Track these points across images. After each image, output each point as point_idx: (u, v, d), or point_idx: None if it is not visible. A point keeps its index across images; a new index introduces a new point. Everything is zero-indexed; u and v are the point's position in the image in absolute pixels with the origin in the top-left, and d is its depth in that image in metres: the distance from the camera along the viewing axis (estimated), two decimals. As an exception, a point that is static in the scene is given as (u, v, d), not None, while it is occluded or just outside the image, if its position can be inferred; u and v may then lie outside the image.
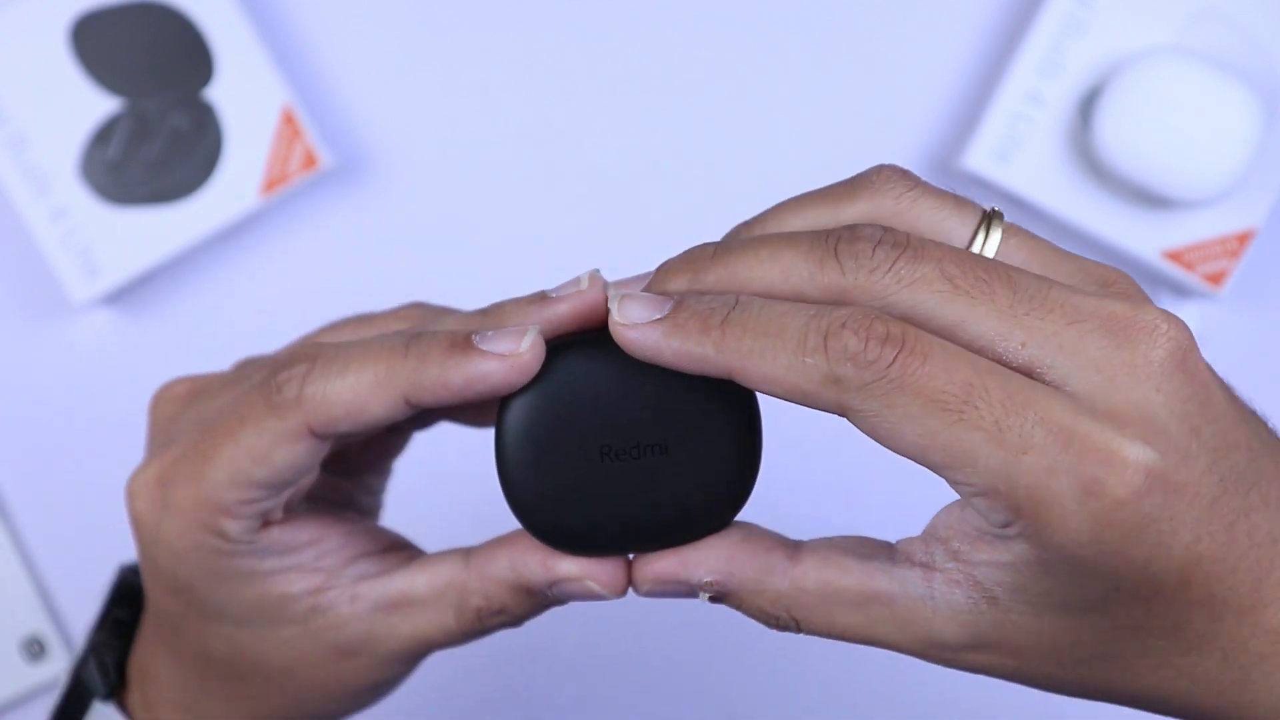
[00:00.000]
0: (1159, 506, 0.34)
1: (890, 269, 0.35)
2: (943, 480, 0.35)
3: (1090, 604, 0.35)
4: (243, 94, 0.72)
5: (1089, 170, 0.71)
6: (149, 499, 0.40)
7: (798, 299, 0.36)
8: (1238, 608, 0.35)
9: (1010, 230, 0.38)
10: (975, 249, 0.37)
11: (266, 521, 0.40)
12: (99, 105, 0.72)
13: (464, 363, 0.37)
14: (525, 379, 0.37)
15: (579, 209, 0.75)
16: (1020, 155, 0.71)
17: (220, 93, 0.72)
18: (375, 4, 0.75)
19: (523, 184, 0.75)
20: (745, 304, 0.35)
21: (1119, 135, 0.67)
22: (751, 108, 0.75)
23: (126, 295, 0.75)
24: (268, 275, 0.75)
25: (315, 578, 0.41)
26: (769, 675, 0.75)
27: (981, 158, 0.71)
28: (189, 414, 0.42)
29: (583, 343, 0.39)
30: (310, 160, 0.72)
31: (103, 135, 0.72)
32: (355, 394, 0.37)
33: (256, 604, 0.41)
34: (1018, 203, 0.72)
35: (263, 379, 0.39)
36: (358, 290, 0.75)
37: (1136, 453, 0.33)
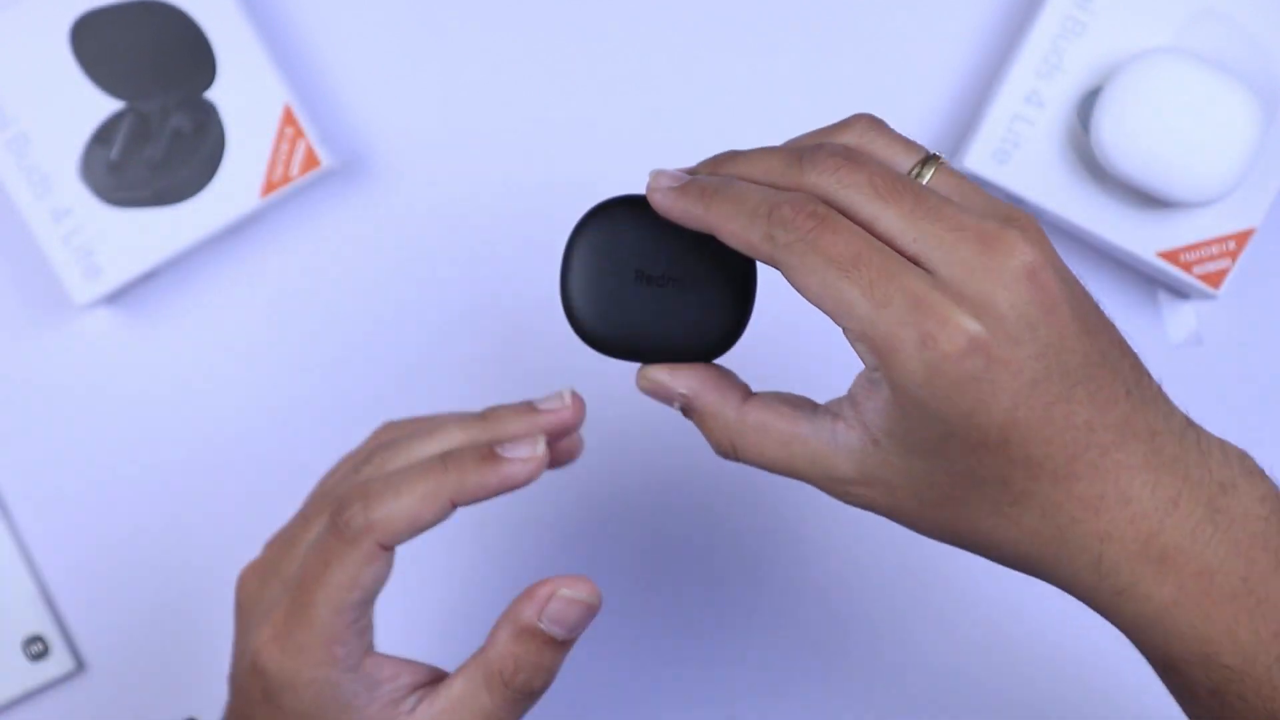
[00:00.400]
0: (980, 369, 0.43)
1: (834, 172, 0.45)
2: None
3: (935, 446, 0.44)
4: (244, 95, 0.72)
5: (1088, 171, 0.71)
6: (273, 655, 0.49)
7: (770, 186, 0.47)
8: (1053, 473, 0.44)
9: (943, 169, 0.47)
10: (910, 176, 0.47)
11: (365, 651, 0.50)
12: (100, 106, 0.72)
13: (497, 469, 0.49)
14: (540, 473, 0.50)
15: (579, 209, 0.76)
16: (1019, 156, 0.71)
17: (221, 94, 0.72)
18: (376, 5, 0.75)
19: (523, 184, 0.76)
20: (730, 182, 0.48)
21: (1118, 136, 0.67)
22: (752, 108, 0.75)
23: (128, 296, 0.75)
24: (269, 276, 0.76)
25: (390, 709, 0.51)
26: (769, 675, 0.75)
27: (980, 158, 0.71)
28: (274, 582, 0.51)
29: (629, 202, 0.55)
30: (311, 161, 0.72)
31: (104, 136, 0.72)
32: (412, 508, 0.48)
33: None
34: (1017, 203, 0.73)
35: (327, 526, 0.49)
36: (359, 290, 0.76)
37: (967, 323, 0.43)
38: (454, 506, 0.49)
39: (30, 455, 0.76)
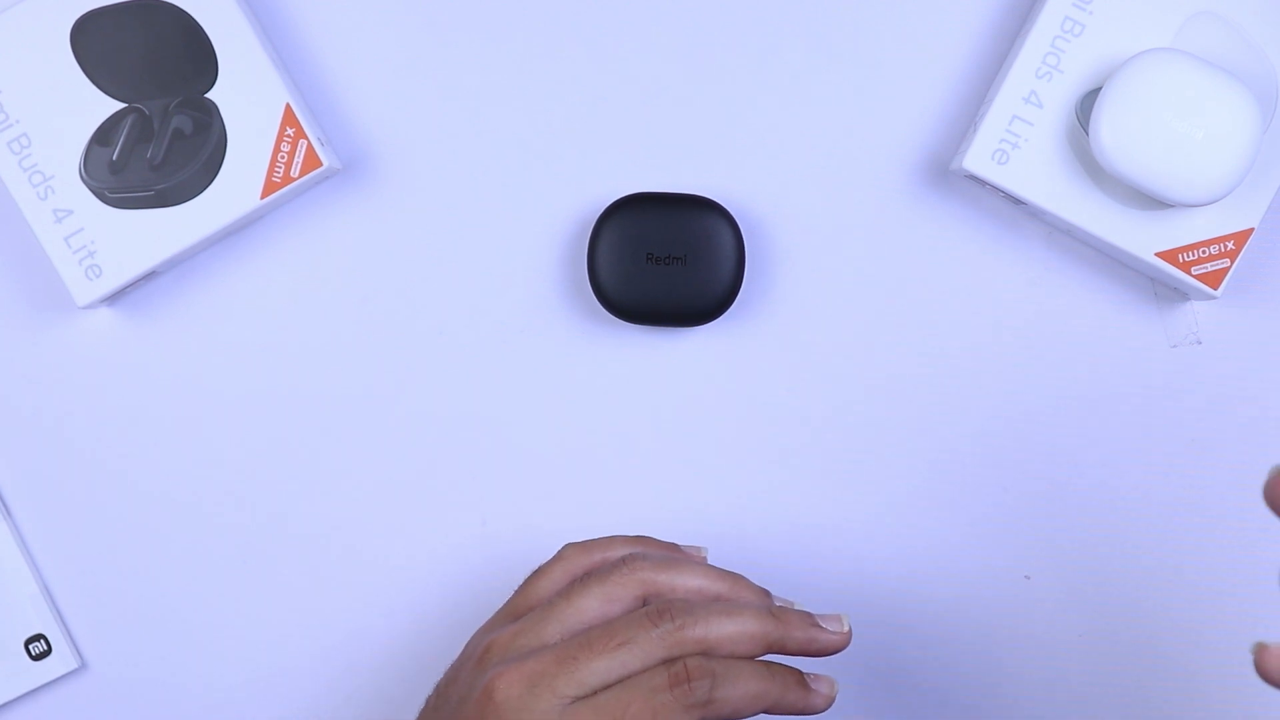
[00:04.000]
0: None
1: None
2: None
3: None
4: (245, 95, 0.72)
5: (1087, 172, 0.71)
6: None
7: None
8: None
9: None
10: None
11: None
12: (101, 106, 0.72)
13: (806, 699, 0.55)
14: (845, 646, 0.57)
15: (579, 210, 0.76)
16: (1018, 157, 0.71)
17: (222, 94, 0.72)
18: (376, 5, 0.75)
19: (523, 184, 0.76)
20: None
21: (1117, 136, 0.68)
22: (752, 110, 0.75)
23: (128, 296, 0.75)
24: (270, 276, 0.76)
25: None
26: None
27: (980, 159, 0.71)
28: (547, 695, 0.53)
29: (637, 199, 0.72)
30: (312, 161, 0.72)
31: (105, 137, 0.72)
32: (742, 702, 0.53)
33: None
34: (1017, 203, 0.73)
35: (665, 684, 0.52)
36: (359, 290, 0.76)
37: None
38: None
39: (30, 455, 0.76)
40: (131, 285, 0.73)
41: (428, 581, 0.75)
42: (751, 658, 0.55)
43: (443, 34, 0.75)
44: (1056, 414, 0.75)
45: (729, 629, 0.54)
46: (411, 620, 0.75)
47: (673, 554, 0.60)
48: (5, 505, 0.76)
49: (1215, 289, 0.71)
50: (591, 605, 0.56)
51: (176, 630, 0.76)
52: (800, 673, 0.55)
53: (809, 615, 0.56)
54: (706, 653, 0.53)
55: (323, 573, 0.76)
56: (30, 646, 0.75)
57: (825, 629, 0.56)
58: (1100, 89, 0.70)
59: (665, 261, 0.72)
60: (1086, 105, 0.71)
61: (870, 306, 0.75)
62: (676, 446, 0.75)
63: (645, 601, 0.56)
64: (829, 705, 0.55)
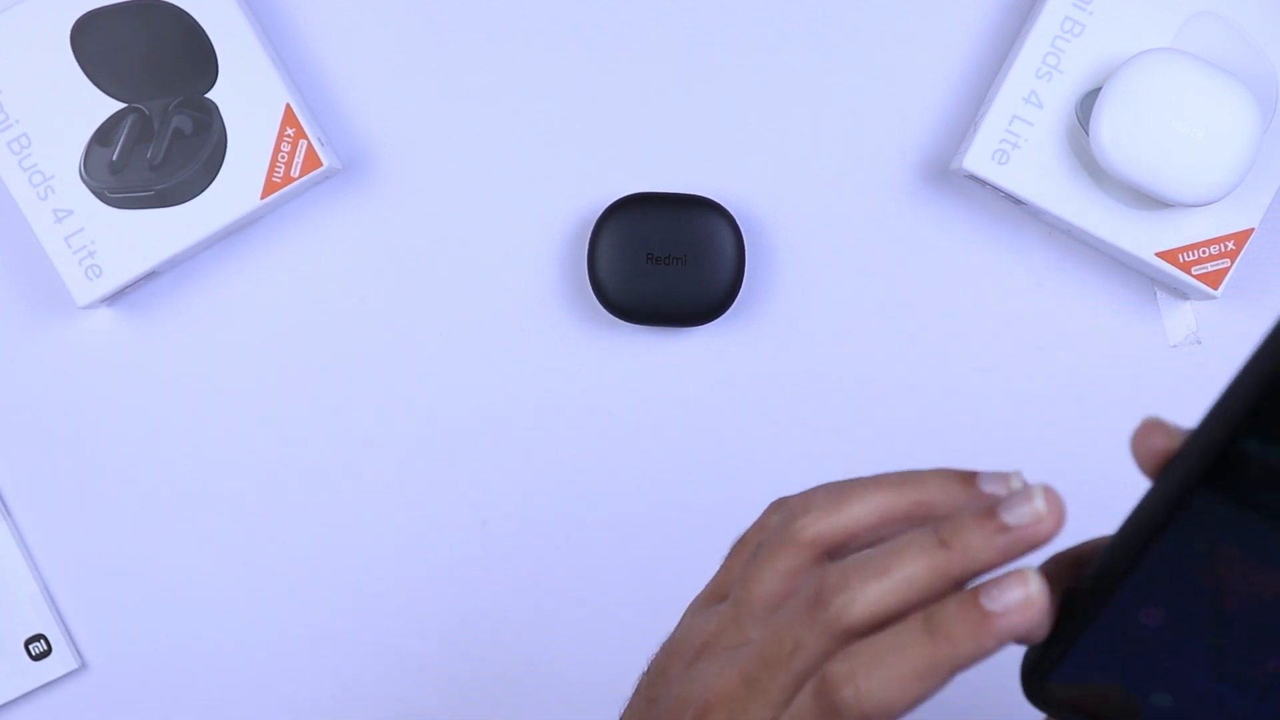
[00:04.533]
0: None
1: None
2: None
3: None
4: (245, 95, 0.72)
5: (1087, 172, 0.71)
6: None
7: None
8: None
9: None
10: None
11: None
12: (101, 106, 0.72)
13: (991, 630, 0.40)
14: (1045, 624, 0.40)
15: (579, 210, 0.76)
16: (1018, 157, 0.71)
17: (222, 94, 0.72)
18: (376, 5, 0.75)
19: (523, 184, 0.76)
20: None
21: (1117, 137, 0.68)
22: (752, 110, 0.75)
23: (128, 296, 0.76)
24: (271, 276, 0.76)
25: None
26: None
27: (980, 159, 0.71)
28: None
29: (637, 199, 0.72)
30: (312, 161, 0.72)
31: (105, 137, 0.72)
32: (907, 692, 0.41)
33: None
34: (1017, 203, 0.73)
35: (811, 704, 0.42)
36: (359, 290, 0.76)
37: None
38: (949, 678, 0.41)
39: (30, 455, 0.76)
40: (131, 285, 0.73)
41: (428, 581, 0.75)
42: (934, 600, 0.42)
43: (443, 34, 0.75)
44: (1057, 413, 0.75)
45: (885, 590, 0.42)
46: (411, 620, 0.75)
47: (844, 485, 0.46)
48: (5, 505, 0.76)
49: (1215, 289, 0.71)
50: (772, 588, 0.46)
51: (176, 630, 0.76)
52: (972, 598, 0.41)
53: (990, 510, 0.41)
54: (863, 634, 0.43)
55: (322, 572, 0.76)
56: (30, 646, 0.75)
57: (1015, 521, 0.41)
58: (1100, 89, 0.70)
59: (665, 261, 0.72)
60: (1086, 105, 0.71)
61: (870, 306, 0.75)
62: (676, 446, 0.75)
63: (831, 558, 0.46)
64: (1038, 616, 0.40)
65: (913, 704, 0.41)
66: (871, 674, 0.41)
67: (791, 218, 0.75)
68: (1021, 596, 0.39)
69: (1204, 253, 0.71)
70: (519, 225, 0.75)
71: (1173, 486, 0.37)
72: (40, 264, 0.75)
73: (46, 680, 0.75)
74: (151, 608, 0.76)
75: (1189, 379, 0.75)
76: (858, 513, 0.44)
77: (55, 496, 0.76)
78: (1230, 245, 0.71)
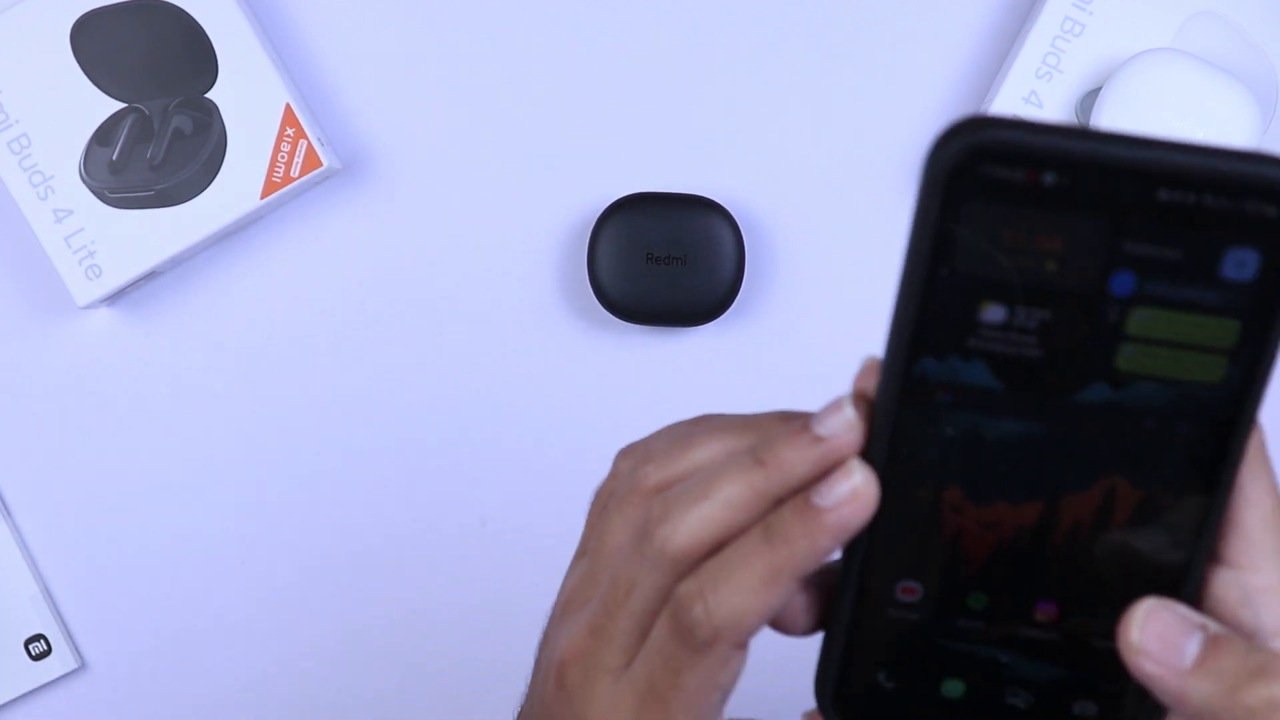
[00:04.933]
0: None
1: None
2: None
3: None
4: (245, 96, 0.72)
5: (1087, 171, 0.71)
6: None
7: None
8: None
9: None
10: None
11: None
12: (101, 106, 0.72)
13: (824, 525, 0.40)
14: (874, 507, 0.39)
15: (579, 210, 0.76)
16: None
17: (222, 94, 0.72)
18: (376, 5, 0.75)
19: (523, 184, 0.76)
20: None
21: (1117, 137, 0.68)
22: (751, 110, 0.75)
23: (128, 296, 0.76)
24: (271, 276, 0.76)
25: None
26: (768, 675, 0.75)
27: (980, 159, 0.71)
28: (603, 678, 0.45)
29: (637, 199, 0.72)
30: (312, 161, 0.72)
31: (105, 137, 0.72)
32: (757, 603, 0.41)
33: None
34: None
35: (669, 633, 0.42)
36: (359, 290, 0.76)
37: None
38: (798, 583, 0.41)
39: (30, 455, 0.76)
40: (131, 285, 0.73)
41: (428, 581, 0.75)
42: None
43: (443, 34, 0.75)
44: (1056, 414, 0.75)
45: (705, 514, 0.41)
46: (411, 620, 0.75)
47: (687, 429, 0.46)
48: (5, 505, 0.76)
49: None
50: (620, 538, 0.45)
51: (176, 630, 0.76)
52: (804, 499, 0.40)
53: (804, 425, 0.41)
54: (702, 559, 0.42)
55: (322, 573, 0.76)
56: (30, 646, 0.75)
57: (826, 431, 0.40)
58: (1100, 89, 0.70)
59: (665, 261, 0.72)
60: (1086, 105, 0.71)
61: (870, 306, 0.75)
62: (676, 446, 0.75)
63: None
64: (866, 504, 0.39)
65: (763, 613, 0.40)
66: (718, 588, 0.41)
67: (791, 218, 0.75)
68: (848, 488, 0.39)
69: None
70: (519, 225, 0.75)
71: (879, 440, 0.37)
72: (40, 264, 0.75)
73: (46, 680, 0.75)
74: (151, 608, 0.76)
75: (1189, 379, 0.75)
76: (699, 457, 0.44)
77: (55, 496, 0.76)
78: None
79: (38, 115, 0.72)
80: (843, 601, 0.40)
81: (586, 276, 0.74)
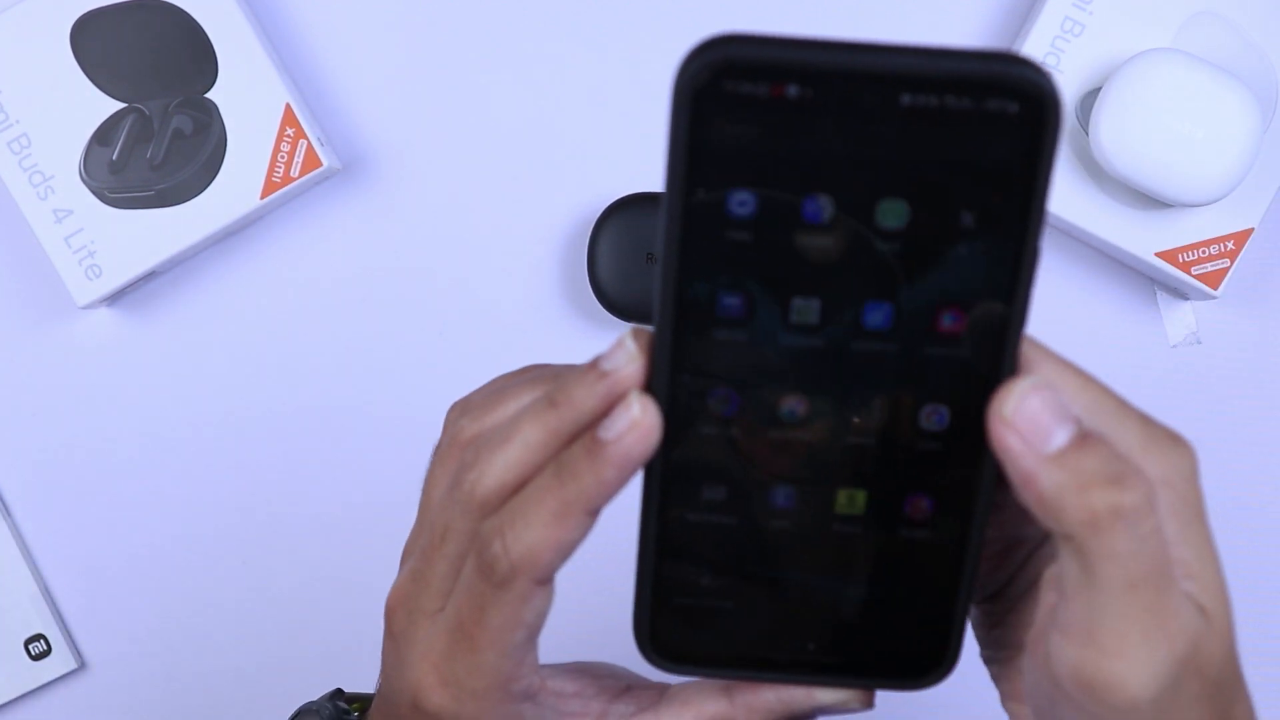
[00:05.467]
0: None
1: None
2: None
3: None
4: (245, 96, 0.72)
5: (1087, 171, 0.71)
6: (444, 701, 0.46)
7: None
8: None
9: None
10: None
11: (541, 681, 0.46)
12: (101, 106, 0.72)
13: (608, 458, 0.41)
14: (657, 438, 0.40)
15: (579, 210, 0.76)
16: (1019, 157, 0.71)
17: (222, 94, 0.72)
18: (376, 6, 0.75)
19: (524, 184, 0.76)
20: None
21: (1116, 137, 0.68)
22: (751, 109, 0.75)
23: (128, 296, 0.76)
24: (270, 276, 0.76)
25: None
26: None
27: (980, 159, 0.71)
28: (421, 620, 0.47)
29: (638, 199, 0.73)
30: (312, 161, 0.72)
31: (105, 137, 0.72)
32: (551, 537, 0.42)
33: None
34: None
35: (474, 569, 0.44)
36: (359, 290, 0.76)
37: None
38: (591, 515, 0.42)
39: (30, 455, 0.76)
40: (131, 285, 0.73)
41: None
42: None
43: (443, 34, 0.75)
44: (1056, 414, 0.75)
45: (506, 458, 0.43)
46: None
47: (503, 382, 0.48)
48: (5, 505, 0.76)
49: (1215, 289, 0.71)
50: (440, 491, 0.47)
51: (176, 630, 0.76)
52: (590, 434, 0.41)
53: (592, 363, 0.42)
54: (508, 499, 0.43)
55: (322, 572, 0.76)
56: (30, 646, 0.75)
57: (610, 365, 0.41)
58: (1100, 89, 0.70)
59: None
60: (1086, 105, 0.71)
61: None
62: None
63: None
64: (648, 434, 0.40)
65: (557, 546, 0.42)
66: (515, 525, 0.42)
67: (791, 218, 0.75)
68: (627, 420, 0.40)
69: (1204, 253, 0.71)
70: (519, 225, 0.75)
71: (660, 370, 0.38)
72: (40, 264, 0.75)
73: (46, 680, 0.75)
74: (151, 608, 0.76)
75: (1189, 379, 0.75)
76: (511, 407, 0.45)
77: (55, 496, 0.76)
78: (1230, 245, 0.71)
79: (38, 115, 0.72)
80: (647, 536, 0.40)
81: (586, 276, 0.74)
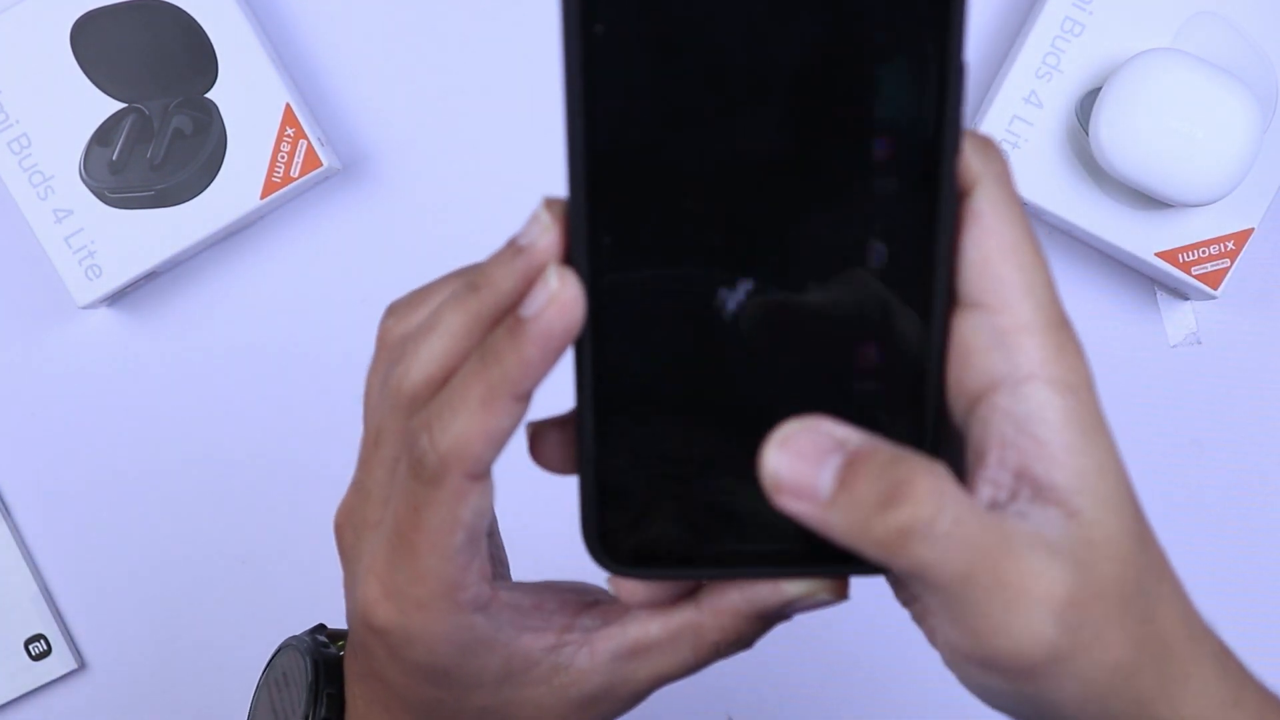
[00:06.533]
0: None
1: None
2: None
3: None
4: (245, 96, 0.72)
5: (1087, 172, 0.71)
6: (389, 614, 0.43)
7: None
8: None
9: None
10: None
11: (493, 583, 0.44)
12: (101, 106, 0.72)
13: (530, 336, 0.38)
14: (579, 311, 0.38)
15: (579, 210, 0.76)
16: (1018, 157, 0.71)
17: (222, 94, 0.72)
18: (376, 6, 0.75)
19: (524, 184, 0.76)
20: None
21: (1116, 137, 0.68)
22: (751, 109, 0.75)
23: (128, 296, 0.76)
24: (270, 276, 0.76)
25: (549, 636, 0.44)
26: (767, 676, 0.75)
27: (980, 159, 0.71)
28: (364, 532, 0.45)
29: None
30: (312, 161, 0.72)
31: (105, 137, 0.72)
32: (478, 424, 0.39)
33: (504, 670, 0.44)
34: (1016, 204, 0.73)
35: (407, 469, 0.41)
36: (359, 290, 0.76)
37: None
38: (519, 400, 0.40)
39: (30, 455, 0.76)
40: (131, 285, 0.73)
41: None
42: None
43: (443, 34, 0.75)
44: (1056, 414, 0.75)
45: (431, 348, 0.41)
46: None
47: (427, 285, 0.46)
48: (5, 505, 0.76)
49: (1215, 289, 0.71)
50: (373, 396, 0.45)
51: (176, 630, 0.76)
52: (512, 316, 0.39)
53: (509, 242, 0.41)
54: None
55: (322, 572, 0.76)
56: (30, 646, 0.75)
57: (526, 240, 0.40)
58: (1100, 89, 0.70)
59: None
60: (1086, 105, 0.71)
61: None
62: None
63: None
64: (570, 307, 0.38)
65: (486, 435, 0.39)
66: (441, 416, 0.40)
67: (791, 218, 0.75)
68: (546, 295, 0.38)
69: (1204, 253, 0.71)
70: (519, 225, 0.75)
71: (578, 238, 0.36)
72: (40, 264, 0.75)
73: (46, 680, 0.75)
74: (151, 608, 0.76)
75: (1189, 379, 0.75)
76: (435, 301, 0.43)
77: (55, 496, 0.76)
78: (1230, 245, 0.71)
79: (38, 115, 0.72)
80: (584, 422, 0.38)
81: None
